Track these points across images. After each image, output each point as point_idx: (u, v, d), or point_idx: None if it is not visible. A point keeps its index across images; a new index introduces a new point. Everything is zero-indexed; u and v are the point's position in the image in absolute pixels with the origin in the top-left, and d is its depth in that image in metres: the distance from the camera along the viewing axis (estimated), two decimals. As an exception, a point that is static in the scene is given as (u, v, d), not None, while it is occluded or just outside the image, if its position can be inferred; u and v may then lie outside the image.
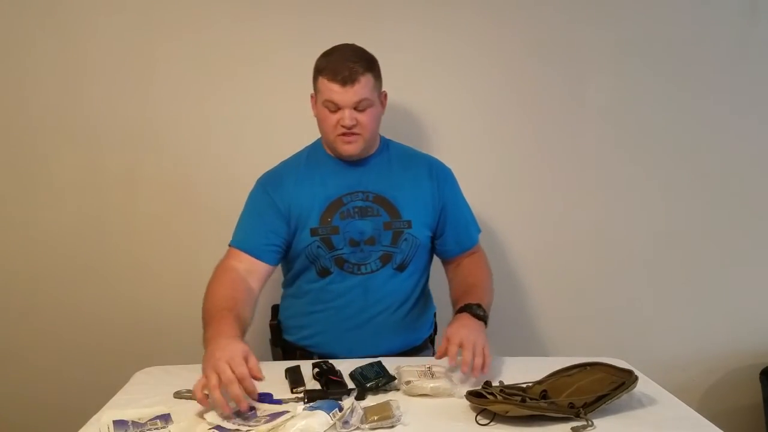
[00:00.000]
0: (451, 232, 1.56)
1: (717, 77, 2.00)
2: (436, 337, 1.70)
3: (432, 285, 1.66)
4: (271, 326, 1.63)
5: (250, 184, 1.60)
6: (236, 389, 1.06)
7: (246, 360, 1.10)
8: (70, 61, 1.92)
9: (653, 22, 1.97)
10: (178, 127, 1.95)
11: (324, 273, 1.50)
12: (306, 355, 1.54)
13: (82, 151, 1.95)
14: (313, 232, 1.47)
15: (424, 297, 1.61)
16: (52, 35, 1.90)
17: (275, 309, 1.68)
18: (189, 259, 1.98)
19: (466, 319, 1.33)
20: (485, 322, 1.35)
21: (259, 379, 1.11)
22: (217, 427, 1.04)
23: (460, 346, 1.24)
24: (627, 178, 2.04)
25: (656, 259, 2.07)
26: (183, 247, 2.00)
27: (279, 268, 1.62)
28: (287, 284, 1.62)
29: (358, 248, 1.48)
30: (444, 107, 1.99)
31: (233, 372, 1.07)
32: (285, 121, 1.94)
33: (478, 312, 1.35)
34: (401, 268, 1.51)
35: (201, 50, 1.92)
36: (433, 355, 1.63)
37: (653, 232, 2.06)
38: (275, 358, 1.64)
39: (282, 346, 1.61)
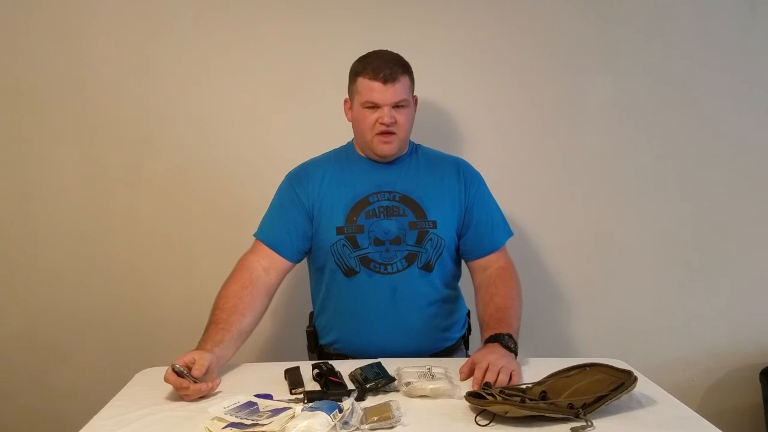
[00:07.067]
0: (474, 233, 1.55)
1: (719, 76, 2.00)
2: (470, 337, 1.68)
3: (463, 286, 1.65)
4: (308, 332, 1.62)
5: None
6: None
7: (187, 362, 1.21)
8: (70, 60, 1.92)
9: (654, 21, 1.97)
10: (179, 127, 1.95)
11: (350, 273, 1.49)
12: (340, 358, 1.51)
13: (82, 152, 1.95)
14: (339, 231, 1.48)
15: (454, 297, 1.60)
16: (51, 34, 1.91)
17: (311, 316, 1.67)
18: (190, 259, 1.99)
19: (495, 347, 1.31)
20: (515, 354, 1.32)
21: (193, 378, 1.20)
22: (232, 424, 1.06)
23: (486, 369, 1.23)
24: (627, 178, 2.04)
25: (656, 259, 2.07)
26: (184, 248, 2.00)
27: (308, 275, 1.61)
28: (317, 290, 1.60)
29: (383, 247, 1.48)
30: (448, 105, 1.98)
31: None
32: (286, 122, 1.94)
33: (509, 344, 1.32)
34: (428, 267, 1.50)
35: (202, 50, 1.93)
36: (467, 356, 1.60)
37: (653, 232, 2.06)
38: None
39: (318, 351, 1.61)
